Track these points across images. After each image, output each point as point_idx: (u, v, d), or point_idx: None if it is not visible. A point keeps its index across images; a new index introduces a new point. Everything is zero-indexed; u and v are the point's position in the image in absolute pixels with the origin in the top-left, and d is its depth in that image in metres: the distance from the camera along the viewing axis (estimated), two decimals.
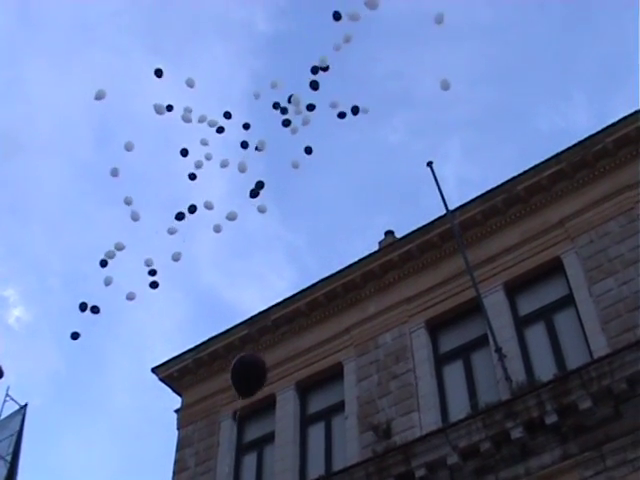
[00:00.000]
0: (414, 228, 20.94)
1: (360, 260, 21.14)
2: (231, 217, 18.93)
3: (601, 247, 17.78)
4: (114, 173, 19.37)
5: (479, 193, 20.37)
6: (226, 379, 21.12)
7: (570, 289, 17.85)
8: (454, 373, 18.52)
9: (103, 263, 18.91)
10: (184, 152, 19.08)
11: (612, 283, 17.07)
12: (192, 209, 18.97)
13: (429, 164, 20.14)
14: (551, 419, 15.36)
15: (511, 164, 51.77)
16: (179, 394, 22.62)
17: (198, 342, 22.54)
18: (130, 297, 18.82)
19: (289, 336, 21.32)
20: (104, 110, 57.51)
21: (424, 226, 20.65)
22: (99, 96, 19.11)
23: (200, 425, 21.25)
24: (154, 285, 18.75)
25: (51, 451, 55.74)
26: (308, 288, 21.44)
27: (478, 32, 53.94)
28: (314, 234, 60.16)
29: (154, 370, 22.79)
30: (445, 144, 55.53)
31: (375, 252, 21.44)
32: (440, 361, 18.93)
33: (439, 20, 18.60)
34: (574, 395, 15.28)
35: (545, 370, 16.81)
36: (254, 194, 18.97)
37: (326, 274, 21.59)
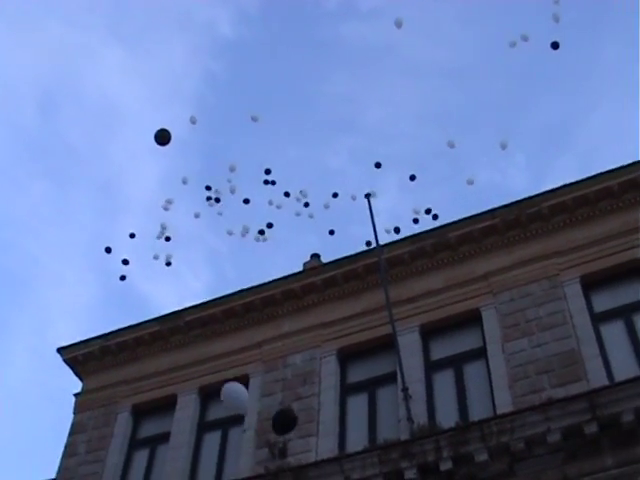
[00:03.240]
0: (341, 255, 21.11)
1: (283, 277, 21.20)
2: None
3: (521, 307, 18.11)
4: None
5: (410, 232, 20.68)
6: (130, 372, 21.20)
7: (484, 342, 18.12)
8: (358, 405, 18.61)
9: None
10: None
11: (526, 344, 17.40)
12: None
13: (367, 196, 20.37)
14: (446, 466, 15.50)
15: (443, 209, 52.15)
16: (81, 378, 22.29)
17: (105, 328, 22.49)
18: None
19: (200, 340, 21.18)
20: (51, 81, 56.90)
21: (352, 255, 20.80)
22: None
23: (97, 413, 20.90)
24: None
25: None
26: (227, 296, 21.37)
27: (436, 73, 54.58)
28: (238, 243, 59.82)
29: (59, 350, 22.44)
30: (383, 176, 55.83)
31: (299, 272, 21.55)
32: (346, 391, 19.01)
33: None
34: (472, 446, 15.46)
35: (447, 417, 16.99)
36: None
37: (242, 284, 21.66)
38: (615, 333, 17.17)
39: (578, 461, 14.78)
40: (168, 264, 21.71)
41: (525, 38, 20.09)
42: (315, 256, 23.17)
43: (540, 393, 16.30)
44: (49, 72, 53.65)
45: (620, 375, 15.97)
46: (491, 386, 17.28)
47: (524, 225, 19.31)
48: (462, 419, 16.86)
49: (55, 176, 58.25)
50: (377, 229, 19.75)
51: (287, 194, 22.55)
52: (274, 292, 20.95)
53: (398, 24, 20.55)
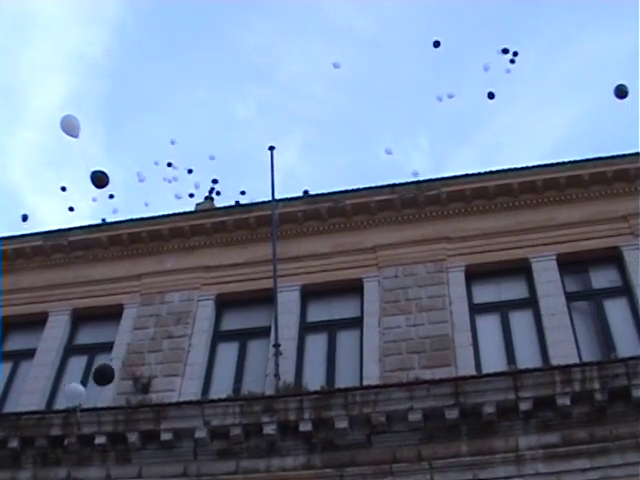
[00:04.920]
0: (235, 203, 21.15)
1: (174, 214, 21.07)
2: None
3: (403, 285, 18.40)
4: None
5: (307, 193, 20.73)
6: (4, 282, 20.78)
7: (362, 313, 18.34)
8: (227, 353, 18.64)
9: None
10: None
11: (402, 321, 17.69)
12: None
13: (271, 148, 20.42)
14: (306, 427, 15.67)
15: (341, 175, 52.46)
16: None
17: None
18: None
19: (81, 262, 20.85)
20: None
21: (245, 204, 20.86)
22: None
23: None
24: None
25: None
26: (115, 222, 21.17)
27: (355, 39, 54.55)
28: (132, 174, 59.03)
29: None
30: (289, 134, 55.88)
31: (190, 212, 21.47)
32: (218, 337, 19.02)
33: None
34: (334, 412, 15.66)
35: (314, 380, 17.16)
36: None
37: (131, 216, 21.51)
38: (489, 326, 17.63)
39: (434, 443, 15.15)
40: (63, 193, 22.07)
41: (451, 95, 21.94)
42: (208, 198, 23.14)
43: (408, 371, 16.62)
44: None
45: (488, 367, 16.42)
46: (361, 357, 17.52)
47: (421, 206, 19.59)
48: (328, 384, 17.09)
49: None
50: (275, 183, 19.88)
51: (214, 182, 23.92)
52: (162, 227, 20.78)
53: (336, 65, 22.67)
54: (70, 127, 14.88)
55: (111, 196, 22.61)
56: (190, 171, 24.30)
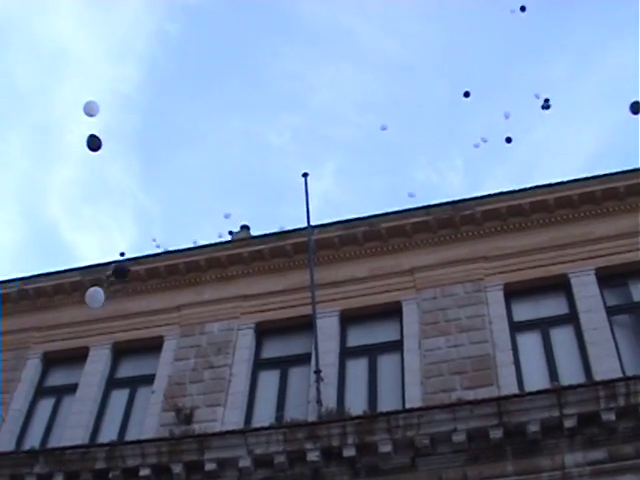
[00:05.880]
0: (270, 231, 21.19)
1: (210, 244, 21.17)
2: None
3: (442, 306, 18.32)
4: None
5: (340, 217, 20.77)
6: (45, 318, 20.95)
7: (402, 336, 18.28)
8: (269, 381, 18.63)
9: None
10: None
11: (442, 342, 17.62)
12: None
13: (304, 175, 20.46)
14: (349, 452, 15.58)
15: (376, 198, 52.49)
16: None
17: (26, 272, 22.07)
18: None
19: (119, 296, 20.81)
20: (2, 19, 55.74)
21: (282, 232, 20.86)
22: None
23: (7, 356, 20.42)
24: None
25: None
26: (152, 255, 21.29)
27: (386, 64, 54.68)
28: (169, 205, 59.65)
29: None
30: (323, 159, 56.10)
31: (227, 242, 21.53)
32: (259, 365, 19.03)
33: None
34: (377, 436, 15.56)
35: (356, 404, 17.11)
36: None
37: (169, 247, 21.66)
38: (531, 344, 17.51)
39: (480, 464, 15.01)
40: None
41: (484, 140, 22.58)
42: (245, 227, 23.21)
43: (450, 393, 16.53)
44: (1, 9, 52.55)
45: (530, 386, 16.26)
46: (403, 380, 17.45)
47: (456, 226, 19.53)
48: (371, 408, 17.05)
49: None
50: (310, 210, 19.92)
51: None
52: (199, 258, 20.87)
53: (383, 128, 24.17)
54: (90, 109, 15.56)
55: (158, 247, 23.07)
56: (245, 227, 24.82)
